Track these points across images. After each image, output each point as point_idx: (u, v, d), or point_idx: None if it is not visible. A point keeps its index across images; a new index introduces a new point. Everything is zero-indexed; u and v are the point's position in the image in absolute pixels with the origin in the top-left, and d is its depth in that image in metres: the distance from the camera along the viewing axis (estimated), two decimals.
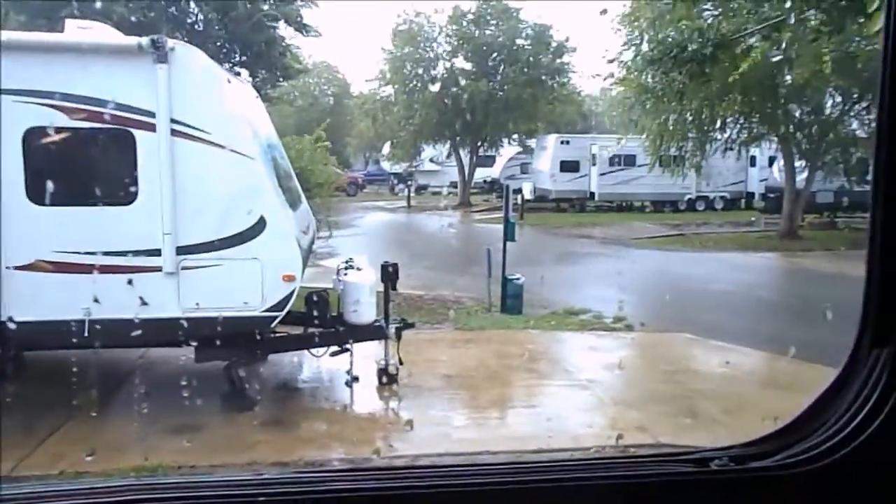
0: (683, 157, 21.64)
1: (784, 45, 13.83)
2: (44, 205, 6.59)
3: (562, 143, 32.41)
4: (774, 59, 14.58)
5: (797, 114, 21.70)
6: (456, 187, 38.73)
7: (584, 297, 13.42)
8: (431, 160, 41.65)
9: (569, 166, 31.98)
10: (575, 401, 7.90)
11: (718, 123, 21.41)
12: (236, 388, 7.30)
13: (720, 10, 16.74)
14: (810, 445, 1.37)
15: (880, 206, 1.32)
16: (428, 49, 35.37)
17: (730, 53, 15.27)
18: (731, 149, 23.87)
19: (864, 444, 1.33)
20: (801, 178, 22.37)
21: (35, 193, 6.57)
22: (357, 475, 1.37)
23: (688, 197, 31.29)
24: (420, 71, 35.14)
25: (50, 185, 6.67)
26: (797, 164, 22.47)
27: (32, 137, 6.55)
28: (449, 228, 28.81)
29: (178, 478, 1.32)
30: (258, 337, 7.35)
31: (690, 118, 20.00)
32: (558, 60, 35.55)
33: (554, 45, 35.35)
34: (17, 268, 6.55)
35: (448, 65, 35.50)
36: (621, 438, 6.59)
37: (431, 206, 35.67)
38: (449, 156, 38.87)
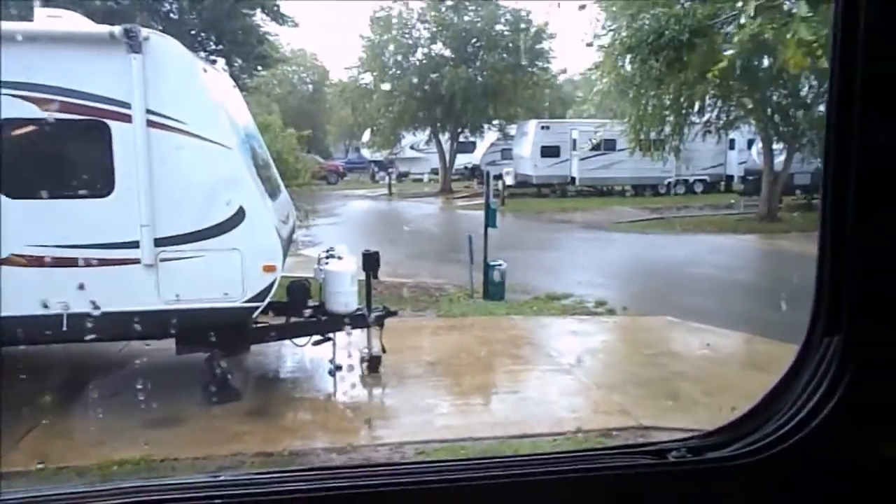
0: (663, 142, 21.74)
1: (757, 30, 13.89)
2: (16, 198, 6.50)
3: (542, 128, 32.46)
4: (749, 45, 14.58)
5: (774, 97, 21.86)
6: (437, 174, 38.67)
7: (565, 282, 13.48)
8: (412, 147, 41.54)
9: (549, 151, 32.05)
10: (558, 385, 7.95)
11: (697, 107, 21.52)
12: (218, 380, 7.26)
13: None
14: (764, 434, 1.39)
15: (829, 198, 1.34)
16: (407, 36, 35.19)
17: (707, 39, 15.30)
18: (710, 132, 24.01)
19: (814, 432, 1.35)
20: (780, 160, 22.57)
21: (7, 186, 6.47)
22: (318, 475, 1.37)
23: (668, 181, 31.50)
24: (399, 58, 34.98)
25: (23, 177, 6.58)
26: (775, 146, 22.65)
27: (3, 129, 6.45)
28: (430, 215, 28.79)
29: (141, 482, 1.30)
30: (240, 328, 7.33)
31: (669, 103, 20.09)
32: (537, 46, 35.52)
33: (533, 30, 35.30)
34: None
35: (427, 51, 35.37)
36: (580, 432, 6.62)
37: (412, 193, 35.62)
38: (429, 142, 38.77)
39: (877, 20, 1.22)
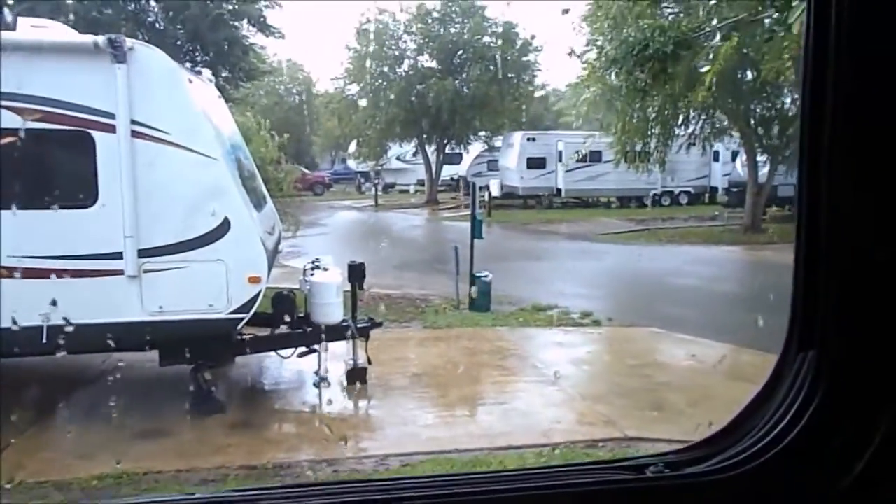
0: (648, 153, 21.89)
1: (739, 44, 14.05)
2: (2, 209, 6.43)
3: (528, 140, 32.60)
4: (732, 58, 14.75)
5: (758, 110, 22.09)
6: (423, 185, 38.71)
7: (551, 293, 13.51)
8: (398, 158, 41.59)
9: (535, 163, 32.19)
10: (544, 397, 7.96)
11: (681, 119, 21.71)
12: (203, 392, 7.21)
13: (680, 7, 16.94)
14: (740, 450, 1.40)
15: (803, 215, 1.35)
16: (393, 47, 35.31)
17: (692, 51, 15.45)
18: (695, 144, 24.21)
19: (789, 447, 1.36)
20: (764, 172, 22.77)
21: None
22: (293, 492, 1.36)
23: (653, 192, 31.68)
24: (385, 69, 35.06)
25: (5, 187, 6.52)
26: (759, 158, 22.87)
27: None
28: (416, 227, 28.80)
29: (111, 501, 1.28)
30: (224, 339, 7.28)
31: (654, 114, 20.24)
32: (524, 58, 35.74)
33: (519, 42, 35.52)
34: None
35: (414, 63, 35.50)
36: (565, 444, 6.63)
37: (399, 204, 35.63)
38: (416, 154, 38.85)
39: (849, 25, 1.23)
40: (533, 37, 35.74)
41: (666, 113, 20.30)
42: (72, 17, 15.30)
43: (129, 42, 6.65)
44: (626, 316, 12.06)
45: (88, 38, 6.74)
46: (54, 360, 7.21)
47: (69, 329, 6.40)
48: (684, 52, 15.40)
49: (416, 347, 9.99)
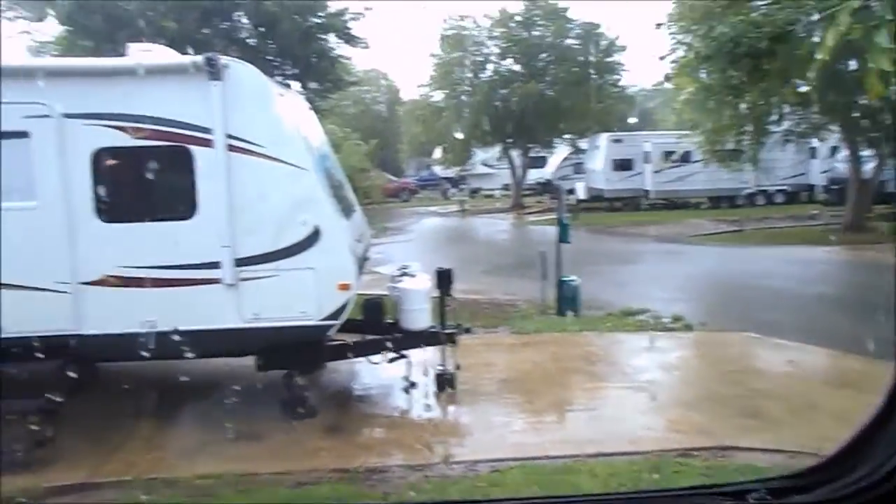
0: (740, 152, 21.12)
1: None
2: (110, 221, 6.84)
3: (614, 141, 32.07)
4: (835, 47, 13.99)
5: (862, 101, 20.93)
6: (509, 190, 38.66)
7: (640, 297, 13.24)
8: (483, 163, 41.69)
9: (622, 165, 31.65)
10: (634, 403, 7.80)
11: (776, 115, 20.83)
12: (296, 396, 7.43)
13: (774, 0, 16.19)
14: (853, 480, 1.30)
15: None
16: (476, 53, 35.44)
17: (788, 46, 14.76)
18: (790, 141, 23.21)
19: None
20: (869, 167, 21.59)
21: (102, 211, 6.83)
22: None
23: (746, 192, 30.60)
24: (469, 75, 35.24)
25: (115, 202, 6.92)
26: (863, 152, 21.70)
27: (100, 158, 6.81)
28: (502, 231, 28.76)
29: None
30: (316, 345, 7.48)
31: (746, 111, 19.50)
32: (608, 59, 35.21)
33: (603, 43, 35.03)
34: (86, 283, 6.81)
35: (497, 67, 35.52)
36: (658, 451, 6.45)
37: (484, 209, 35.67)
38: (500, 158, 38.83)
39: None
40: (616, 37, 35.24)
41: (759, 109, 19.52)
42: (172, 37, 16.07)
43: (223, 60, 6.93)
44: (719, 320, 11.69)
45: (187, 59, 7.06)
46: (156, 366, 7.59)
47: (171, 336, 6.75)
48: (780, 47, 14.77)
49: (504, 353, 9.98)
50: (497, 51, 35.47)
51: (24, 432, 6.30)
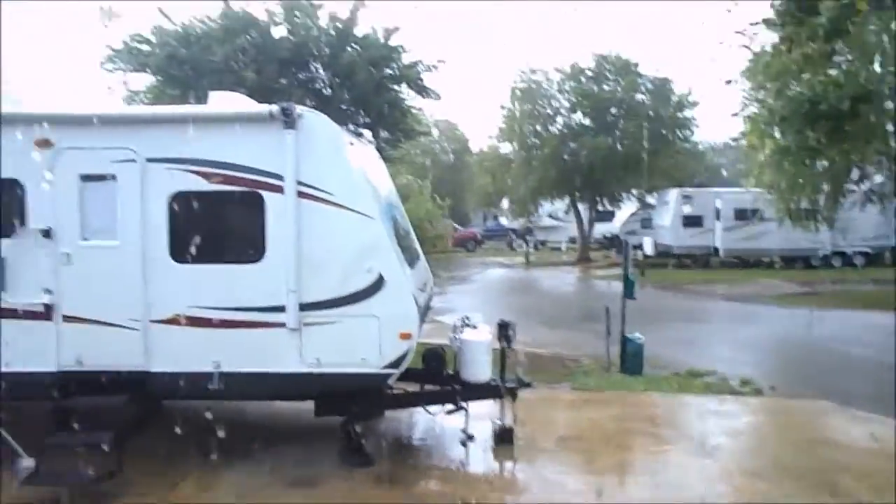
0: (815, 211, 20.40)
1: None
2: (184, 262, 7.06)
3: (684, 197, 31.61)
4: None
5: None
6: (575, 243, 38.37)
7: (708, 358, 12.84)
8: (550, 216, 41.60)
9: (692, 221, 31.10)
10: (699, 469, 7.49)
11: (856, 175, 20.12)
12: (353, 444, 7.41)
13: (857, 58, 15.60)
14: None
15: None
16: (546, 106, 35.68)
17: (871, 106, 14.11)
18: (872, 201, 22.36)
19: None
20: None
21: (176, 252, 7.06)
22: None
23: (822, 252, 29.55)
24: (538, 127, 35.45)
25: (189, 244, 7.15)
26: None
27: (177, 201, 7.08)
28: (567, 285, 28.45)
29: None
30: (375, 393, 7.48)
31: (823, 170, 18.88)
32: (679, 114, 34.96)
33: (674, 98, 34.84)
34: (158, 321, 7.02)
35: (566, 120, 35.65)
36: None
37: (550, 261, 35.44)
38: (567, 211, 38.68)
39: None
40: (688, 92, 34.97)
41: (837, 168, 18.85)
42: (251, 85, 16.73)
43: (298, 109, 7.15)
44: (791, 385, 11.21)
45: (264, 108, 7.33)
46: (219, 405, 7.71)
47: (235, 377, 6.87)
48: (863, 107, 14.16)
49: (565, 409, 9.78)
50: (567, 104, 35.64)
51: (90, 465, 6.46)
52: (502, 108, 36.53)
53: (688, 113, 35.36)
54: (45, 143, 6.99)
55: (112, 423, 6.74)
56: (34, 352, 6.96)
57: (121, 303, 7.04)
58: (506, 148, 37.68)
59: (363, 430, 7.50)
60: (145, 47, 21.81)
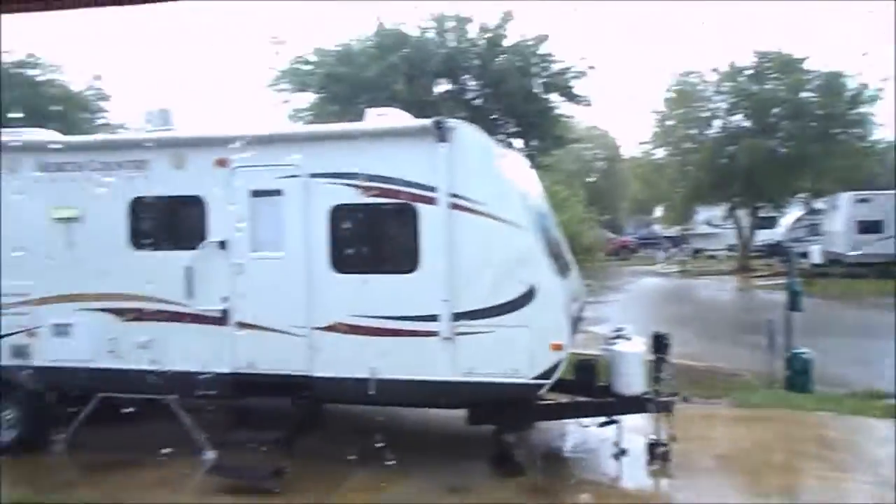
0: None
1: None
2: (343, 272, 7.43)
3: (859, 201, 29.14)
4: None
5: None
6: (734, 251, 36.47)
7: (889, 378, 11.75)
8: (707, 223, 39.78)
9: (868, 227, 28.60)
10: (879, 500, 6.87)
11: None
12: (505, 453, 7.45)
13: None
14: None
15: None
16: (702, 109, 34.18)
17: None
18: None
19: None
20: None
21: (336, 262, 7.44)
22: None
23: None
24: (693, 131, 34.04)
25: (347, 254, 7.51)
26: None
27: (336, 214, 7.46)
28: (725, 295, 27.09)
29: None
30: (526, 404, 7.48)
31: None
32: (852, 111, 32.26)
33: (848, 94, 32.21)
34: (320, 328, 7.41)
35: (724, 123, 33.98)
36: None
37: (706, 270, 33.90)
38: (726, 218, 36.80)
39: None
40: (864, 86, 32.16)
41: None
42: (406, 99, 17.28)
43: (450, 122, 7.32)
44: None
45: (417, 122, 7.55)
46: (376, 411, 8.00)
47: (391, 383, 7.12)
48: None
49: (724, 427, 9.30)
50: (725, 106, 33.96)
51: (262, 461, 6.92)
52: (655, 112, 35.43)
53: (864, 109, 32.57)
54: (222, 163, 7.60)
55: (280, 424, 7.19)
56: (212, 354, 7.55)
57: (286, 310, 7.50)
58: (659, 153, 36.48)
59: (515, 440, 7.52)
60: (307, 67, 23.15)
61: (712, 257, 38.97)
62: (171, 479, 7.37)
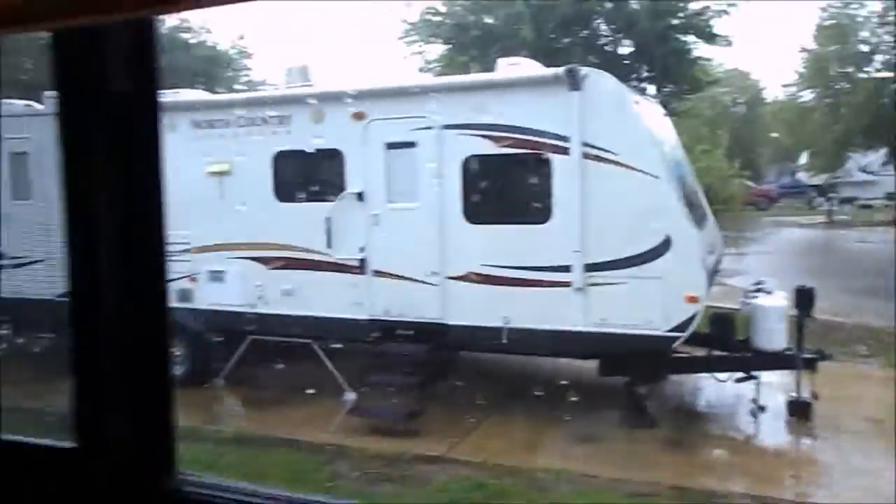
0: None
1: None
2: (475, 223, 7.54)
3: None
4: None
5: None
6: (892, 200, 33.71)
7: None
8: (862, 169, 36.88)
9: None
10: None
11: None
12: (636, 406, 7.41)
13: None
14: None
15: None
16: (860, 44, 31.41)
17: None
18: None
19: None
20: None
21: (469, 213, 7.56)
22: None
23: None
24: (849, 70, 31.40)
25: (479, 205, 7.61)
26: None
27: (469, 165, 7.56)
28: (881, 247, 25.20)
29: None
30: (660, 356, 7.38)
31: None
32: None
33: None
34: (452, 278, 7.59)
35: (888, 58, 31.09)
36: None
37: (858, 221, 31.58)
38: (885, 164, 33.95)
39: None
40: None
41: None
42: (538, 50, 17.00)
43: (583, 70, 7.17)
44: None
45: (549, 71, 7.44)
46: (504, 360, 8.15)
47: (523, 333, 7.21)
48: None
49: (876, 387, 8.77)
50: (889, 39, 31.02)
51: (399, 404, 7.26)
52: (803, 50, 32.91)
53: None
54: (359, 116, 7.83)
55: (416, 370, 7.48)
56: (351, 301, 7.93)
57: (420, 260, 7.72)
58: (806, 95, 33.98)
59: (647, 392, 7.46)
60: (437, 18, 23.17)
61: (867, 207, 36.16)
62: (316, 417, 7.87)
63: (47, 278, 8.11)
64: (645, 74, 23.58)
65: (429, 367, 7.69)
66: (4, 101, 9.90)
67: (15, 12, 0.89)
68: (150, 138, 1.20)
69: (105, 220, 1.20)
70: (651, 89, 22.83)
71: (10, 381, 6.60)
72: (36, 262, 8.89)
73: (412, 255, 7.77)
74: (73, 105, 1.20)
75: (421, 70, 24.24)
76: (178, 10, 0.91)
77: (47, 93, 9.44)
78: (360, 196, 7.90)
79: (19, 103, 9.67)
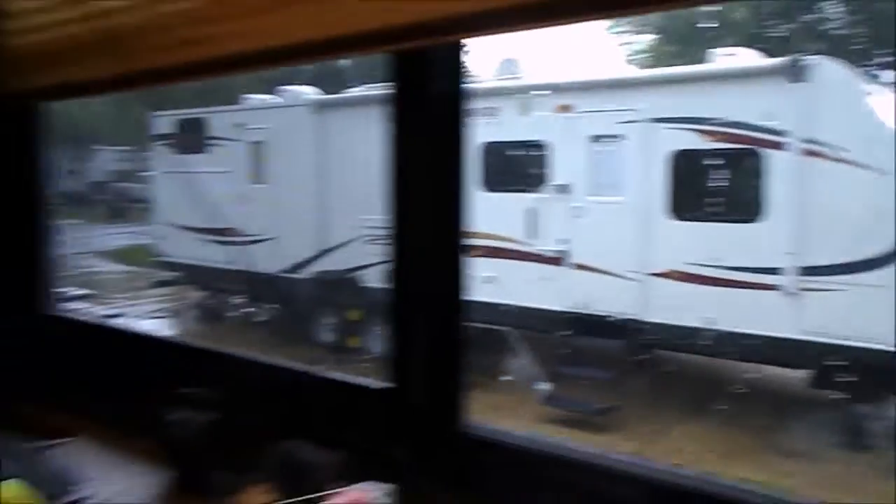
0: None
1: None
2: (679, 219, 7.30)
3: None
4: None
5: None
6: None
7: None
8: None
9: None
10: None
11: None
12: (854, 425, 6.81)
13: None
14: None
15: None
16: None
17: None
18: None
19: None
20: None
21: (674, 208, 7.34)
22: None
23: None
24: None
25: (685, 201, 7.35)
26: None
27: (676, 159, 7.32)
28: None
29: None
30: (886, 374, 6.72)
31: None
32: None
33: None
34: (654, 275, 7.41)
35: None
36: None
37: None
38: None
39: None
40: None
41: None
42: (758, 38, 15.97)
43: (810, 59, 6.68)
44: None
45: (771, 62, 7.01)
46: (707, 362, 7.82)
47: (728, 336, 6.90)
48: None
49: None
50: None
51: (595, 398, 7.24)
52: None
53: None
54: (564, 108, 7.86)
55: (612, 364, 7.42)
56: (548, 292, 7.99)
57: (621, 254, 7.61)
58: None
59: (869, 412, 6.84)
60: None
61: None
62: (507, 405, 8.03)
63: (275, 254, 8.95)
64: (882, 60, 21.33)
65: (625, 363, 7.58)
66: (242, 96, 11.04)
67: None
68: (457, 133, 1.42)
69: (421, 205, 1.45)
70: (889, 76, 20.62)
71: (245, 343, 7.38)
72: (266, 240, 9.81)
73: (613, 250, 7.68)
74: (401, 105, 1.44)
75: (628, 61, 23.67)
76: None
77: (281, 87, 10.42)
78: (563, 188, 7.93)
79: (256, 97, 10.72)
